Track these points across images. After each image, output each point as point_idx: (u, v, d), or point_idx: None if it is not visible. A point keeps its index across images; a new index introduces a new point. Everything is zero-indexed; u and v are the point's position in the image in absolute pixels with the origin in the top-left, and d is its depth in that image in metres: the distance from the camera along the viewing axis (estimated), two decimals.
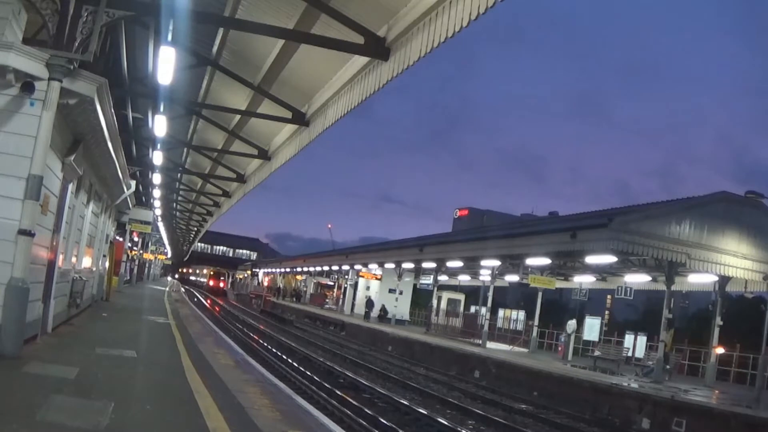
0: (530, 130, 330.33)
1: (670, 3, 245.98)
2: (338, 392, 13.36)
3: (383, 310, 39.05)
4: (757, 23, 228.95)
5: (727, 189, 27.57)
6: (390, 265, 37.49)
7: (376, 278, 42.78)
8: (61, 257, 10.87)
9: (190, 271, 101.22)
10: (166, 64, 10.82)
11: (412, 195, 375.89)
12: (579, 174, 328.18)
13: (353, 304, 44.88)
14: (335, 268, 48.63)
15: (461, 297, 38.67)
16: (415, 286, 43.43)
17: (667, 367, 19.95)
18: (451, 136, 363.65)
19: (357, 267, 42.85)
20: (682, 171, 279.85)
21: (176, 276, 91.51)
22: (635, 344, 24.75)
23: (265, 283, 70.73)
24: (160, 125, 15.53)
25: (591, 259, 22.07)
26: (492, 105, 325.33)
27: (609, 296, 31.59)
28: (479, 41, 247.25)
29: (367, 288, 43.46)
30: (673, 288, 20.37)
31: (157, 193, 28.28)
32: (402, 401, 13.49)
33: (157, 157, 19.87)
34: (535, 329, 27.43)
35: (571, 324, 26.44)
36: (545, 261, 24.20)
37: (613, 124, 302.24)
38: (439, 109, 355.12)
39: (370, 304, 40.11)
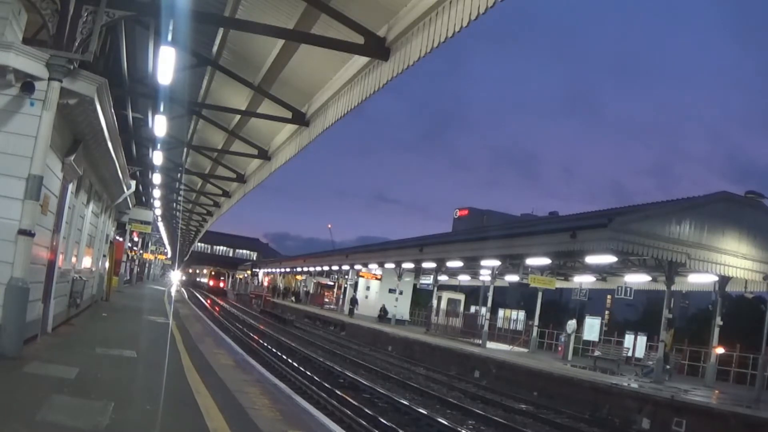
0: (524, 129, 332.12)
1: (662, 0, 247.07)
2: (338, 392, 13.36)
3: (383, 310, 39.10)
4: (750, 20, 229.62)
5: (720, 186, 27.92)
6: (390, 265, 37.49)
7: (376, 278, 42.84)
8: (61, 257, 10.87)
9: (191, 271, 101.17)
10: (166, 64, 10.81)
11: (408, 194, 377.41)
12: (574, 173, 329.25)
13: None
14: (335, 268, 48.65)
15: (461, 297, 38.69)
16: (415, 286, 43.46)
17: (667, 367, 19.95)
18: (445, 135, 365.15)
19: (357, 267, 42.87)
20: (676, 169, 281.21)
21: (182, 277, 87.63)
22: (635, 344, 24.76)
23: (265, 283, 70.74)
24: (160, 125, 15.51)
25: (591, 259, 22.07)
26: (485, 104, 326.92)
27: (609, 296, 31.59)
28: (471, 40, 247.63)
29: (367, 288, 43.57)
30: (673, 288, 20.38)
31: (157, 193, 28.25)
32: (402, 401, 13.50)
33: (157, 157, 19.84)
34: (535, 329, 27.43)
35: (571, 324, 26.45)
36: (545, 261, 24.20)
37: (607, 123, 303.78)
38: (432, 107, 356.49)
39: (354, 301, 41.59)
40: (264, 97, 15.04)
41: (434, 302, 36.82)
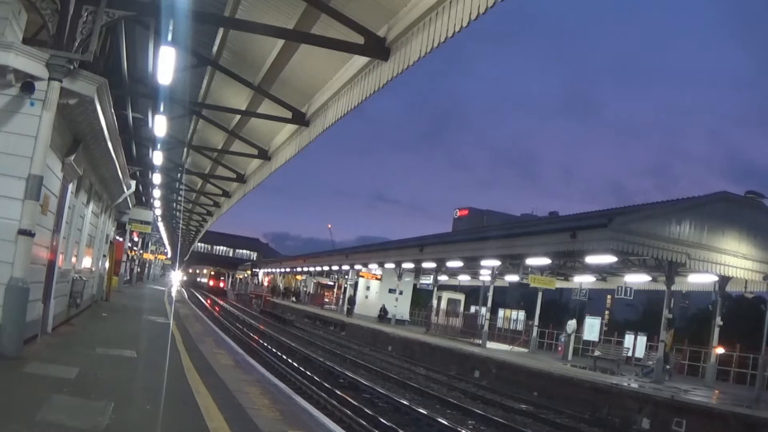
0: (524, 129, 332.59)
1: (661, 0, 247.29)
2: (338, 392, 13.36)
3: (383, 310, 39.10)
4: (749, 20, 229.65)
5: (720, 186, 27.93)
6: (390, 265, 37.48)
7: (376, 278, 42.82)
8: (61, 257, 10.88)
9: (191, 271, 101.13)
10: (166, 64, 10.81)
11: (407, 194, 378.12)
12: (574, 173, 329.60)
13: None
14: (335, 268, 48.65)
15: (461, 297, 38.67)
16: (415, 286, 43.44)
17: (667, 367, 19.94)
18: (445, 135, 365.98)
19: (357, 267, 42.88)
20: (676, 169, 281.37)
21: (183, 278, 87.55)
22: (635, 344, 24.77)
23: (265, 283, 70.75)
24: (160, 125, 15.52)
25: (591, 259, 22.06)
26: (485, 104, 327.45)
27: (609, 296, 31.62)
28: (471, 40, 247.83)
29: (367, 288, 43.57)
30: (673, 288, 20.37)
31: (157, 193, 28.26)
32: (402, 401, 13.49)
33: (157, 157, 19.86)
34: (535, 329, 27.41)
35: (571, 324, 26.44)
36: (545, 261, 24.19)
37: (607, 123, 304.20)
38: (432, 107, 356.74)
39: (352, 301, 42.12)
40: (264, 97, 15.05)
41: (434, 302, 36.80)
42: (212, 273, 79.32)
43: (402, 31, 9.44)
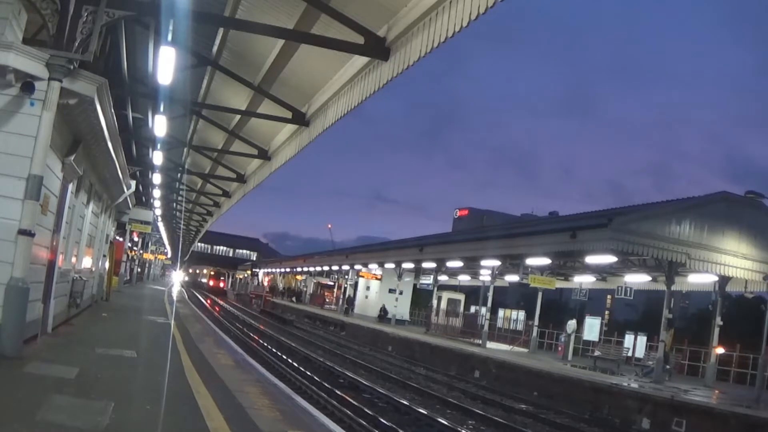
0: (524, 129, 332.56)
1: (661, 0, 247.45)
2: (338, 392, 13.36)
3: (383, 310, 39.11)
4: (748, 20, 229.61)
5: (719, 186, 27.81)
6: (390, 265, 37.48)
7: (376, 278, 42.82)
8: (61, 257, 10.87)
9: (192, 271, 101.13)
10: (166, 64, 10.81)
11: (406, 194, 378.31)
12: (573, 173, 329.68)
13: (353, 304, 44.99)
14: (335, 268, 48.65)
15: (461, 297, 38.65)
16: (415, 286, 43.44)
17: (667, 367, 19.94)
18: (445, 135, 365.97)
19: (357, 267, 42.88)
20: (675, 169, 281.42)
21: (185, 278, 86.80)
22: (635, 344, 24.74)
23: (265, 283, 70.75)
24: (160, 125, 15.51)
25: (591, 259, 22.06)
26: (483, 104, 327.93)
27: (609, 296, 31.61)
28: (471, 40, 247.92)
29: (367, 288, 43.60)
30: (673, 288, 20.36)
31: (157, 193, 28.26)
32: (402, 401, 13.50)
33: (157, 157, 19.85)
34: (535, 329, 27.42)
35: (571, 324, 26.44)
36: (545, 261, 24.19)
37: (606, 123, 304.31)
38: (431, 107, 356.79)
39: (350, 300, 42.94)
40: (264, 97, 15.04)
41: (434, 302, 36.80)
42: (212, 273, 79.41)
43: (402, 31, 9.43)
